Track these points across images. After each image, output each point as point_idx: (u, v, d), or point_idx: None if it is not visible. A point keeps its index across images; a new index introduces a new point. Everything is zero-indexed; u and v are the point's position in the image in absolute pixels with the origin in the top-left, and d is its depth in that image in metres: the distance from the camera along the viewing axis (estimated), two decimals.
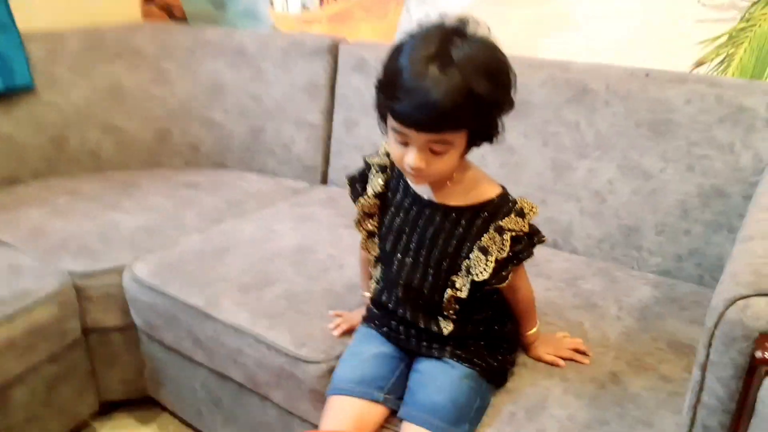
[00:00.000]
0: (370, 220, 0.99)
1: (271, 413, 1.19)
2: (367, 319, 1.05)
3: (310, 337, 1.09)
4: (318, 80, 1.73)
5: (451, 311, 0.94)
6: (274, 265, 1.28)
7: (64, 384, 1.32)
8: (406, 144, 0.82)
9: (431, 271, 0.92)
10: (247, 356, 1.14)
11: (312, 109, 1.75)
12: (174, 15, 2.10)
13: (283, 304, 1.16)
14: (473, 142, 0.84)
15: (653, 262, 1.32)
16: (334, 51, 1.71)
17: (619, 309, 1.16)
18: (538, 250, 1.37)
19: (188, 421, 1.44)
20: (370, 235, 1.01)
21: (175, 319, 1.24)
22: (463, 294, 0.90)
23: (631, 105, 1.30)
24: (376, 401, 0.94)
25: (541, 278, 1.26)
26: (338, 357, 1.04)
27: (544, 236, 0.93)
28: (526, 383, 0.98)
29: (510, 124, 1.44)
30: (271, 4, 1.93)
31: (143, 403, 1.51)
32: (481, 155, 1.48)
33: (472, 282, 0.90)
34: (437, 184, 0.90)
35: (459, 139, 0.81)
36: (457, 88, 0.75)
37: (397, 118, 0.79)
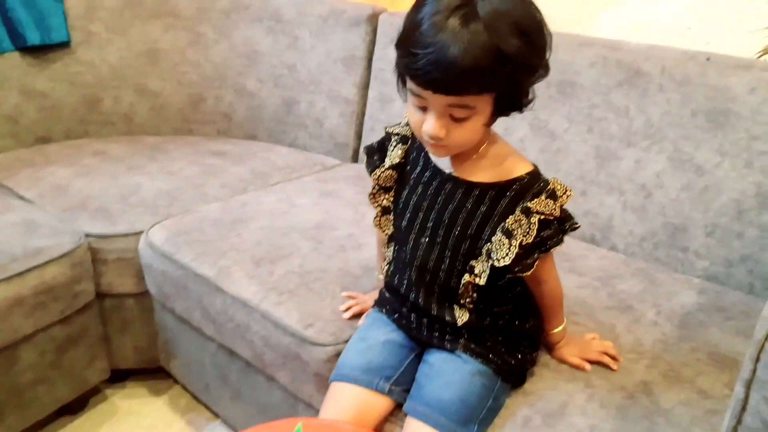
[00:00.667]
0: (386, 195, 0.91)
1: (276, 394, 1.14)
2: (379, 304, 0.98)
3: (318, 317, 1.03)
4: (355, 52, 1.66)
5: (467, 299, 0.86)
6: (290, 239, 1.22)
7: (75, 348, 1.30)
8: (424, 109, 0.74)
9: (448, 253, 0.84)
10: (254, 333, 1.09)
11: (347, 82, 1.68)
12: None
13: (294, 281, 1.10)
14: (500, 109, 0.75)
15: (700, 265, 1.21)
16: (373, 21, 1.64)
17: (658, 314, 1.06)
18: (573, 244, 1.29)
19: (197, 395, 1.40)
20: (385, 211, 0.92)
21: (186, 288, 1.20)
22: (482, 281, 0.82)
23: (688, 91, 1.19)
24: (381, 392, 0.87)
25: (574, 274, 1.17)
26: (347, 341, 0.98)
27: (577, 223, 0.84)
28: (547, 386, 0.89)
29: (552, 106, 1.36)
30: None
31: (156, 373, 1.48)
32: (519, 139, 1.39)
33: (492, 268, 0.81)
34: (460, 158, 0.82)
35: (483, 104, 0.72)
36: (479, 45, 0.66)
37: (413, 77, 0.71)
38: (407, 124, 0.89)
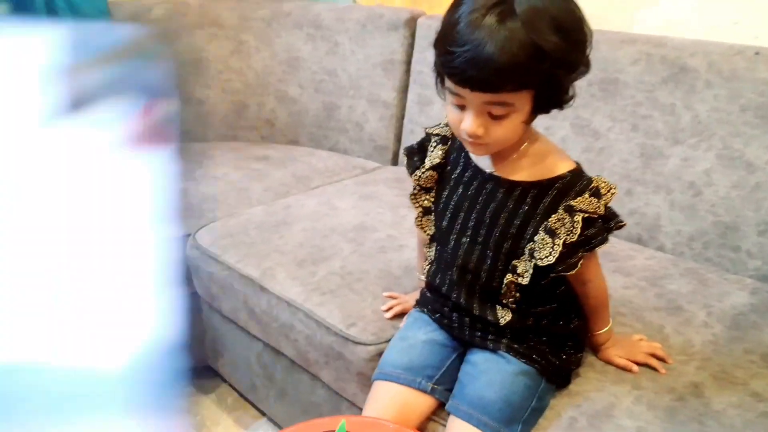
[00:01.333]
0: (427, 195, 0.91)
1: (320, 393, 1.16)
2: (420, 303, 0.98)
3: (361, 317, 1.04)
4: (394, 56, 1.67)
5: (510, 299, 0.85)
6: (331, 241, 1.24)
7: None
8: (463, 108, 0.74)
9: (490, 253, 0.84)
10: (299, 332, 1.10)
11: (386, 86, 1.69)
12: None
13: (336, 281, 1.11)
14: (539, 106, 0.74)
15: (752, 265, 1.17)
16: (411, 25, 1.65)
17: (708, 314, 1.03)
18: (618, 245, 1.26)
19: (243, 393, 1.43)
20: (426, 211, 0.93)
21: (232, 289, 1.23)
22: (525, 280, 0.81)
23: (736, 87, 1.15)
24: (423, 391, 0.88)
25: (620, 275, 1.15)
26: (389, 341, 0.98)
27: (622, 221, 0.82)
28: (592, 387, 0.88)
29: (595, 105, 1.34)
30: None
31: (204, 371, 1.52)
32: (561, 139, 1.37)
33: (536, 267, 0.80)
34: (501, 156, 0.81)
35: (521, 101, 0.72)
36: (516, 41, 0.66)
37: (450, 75, 0.71)
38: (447, 125, 0.89)
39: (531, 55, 0.66)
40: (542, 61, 0.67)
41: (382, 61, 1.69)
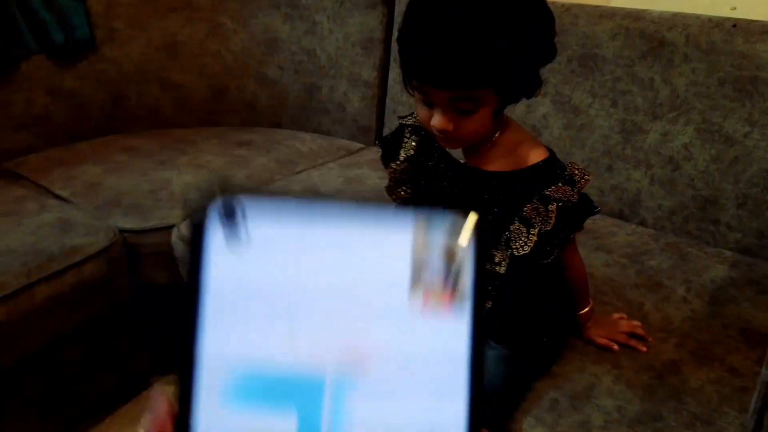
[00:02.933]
0: (403, 187, 0.91)
1: None
2: None
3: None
4: (373, 34, 1.65)
5: (489, 288, 0.87)
6: None
7: (117, 339, 1.35)
8: (431, 104, 0.74)
9: None
10: None
11: (366, 65, 1.68)
12: None
13: None
14: (507, 98, 0.75)
15: (732, 238, 1.19)
16: (389, 2, 1.62)
17: (688, 290, 1.05)
18: (600, 221, 1.28)
19: None
20: (404, 202, 0.93)
21: None
22: (502, 269, 0.82)
23: (714, 60, 1.15)
24: None
25: (601, 252, 1.16)
26: None
27: (597, 207, 0.83)
28: (574, 368, 0.90)
29: (575, 81, 1.34)
30: None
31: None
32: (543, 115, 1.37)
33: (512, 257, 0.81)
34: (474, 147, 0.82)
35: (489, 95, 0.72)
36: (477, 38, 0.65)
37: (414, 74, 0.71)
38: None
39: (493, 50, 0.66)
40: (504, 56, 0.67)
41: (360, 40, 1.67)
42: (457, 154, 0.84)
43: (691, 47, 1.18)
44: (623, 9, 1.29)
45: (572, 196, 0.78)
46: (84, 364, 1.30)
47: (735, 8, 1.15)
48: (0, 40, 1.60)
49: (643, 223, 1.28)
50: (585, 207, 0.81)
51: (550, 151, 0.82)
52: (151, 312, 1.42)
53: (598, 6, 1.31)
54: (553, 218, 0.78)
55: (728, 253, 1.17)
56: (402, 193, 0.91)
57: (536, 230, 0.78)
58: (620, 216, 1.31)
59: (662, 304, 1.02)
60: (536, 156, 0.80)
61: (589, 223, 0.83)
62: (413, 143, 0.88)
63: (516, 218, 0.79)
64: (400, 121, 0.91)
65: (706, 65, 1.16)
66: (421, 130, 0.88)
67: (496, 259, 0.82)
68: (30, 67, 1.67)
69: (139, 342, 1.41)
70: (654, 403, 0.83)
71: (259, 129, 1.85)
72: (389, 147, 0.91)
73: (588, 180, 0.80)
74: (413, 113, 0.91)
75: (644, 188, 1.27)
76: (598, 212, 0.83)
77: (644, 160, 1.26)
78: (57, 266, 1.20)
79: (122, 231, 1.33)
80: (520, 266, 0.83)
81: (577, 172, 0.79)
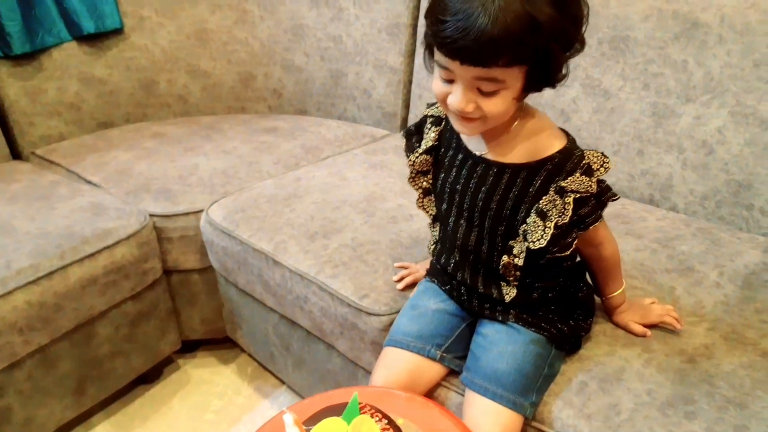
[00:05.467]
0: (425, 178, 0.90)
1: (336, 362, 1.18)
2: (430, 273, 0.99)
3: (373, 288, 1.05)
4: (399, 19, 1.64)
5: (511, 278, 0.85)
6: (342, 213, 1.25)
7: (146, 322, 1.38)
8: (451, 82, 0.72)
9: (487, 234, 0.83)
10: (313, 304, 1.12)
11: (392, 50, 1.67)
12: None
13: (348, 254, 1.13)
14: (531, 84, 0.71)
15: (765, 223, 1.16)
16: None
17: (720, 275, 1.03)
18: (630, 206, 1.26)
19: (262, 363, 1.47)
20: (426, 192, 0.92)
21: (246, 263, 1.25)
22: (520, 261, 0.81)
23: (750, 41, 1.13)
24: (433, 359, 0.90)
25: (631, 237, 1.15)
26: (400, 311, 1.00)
27: (615, 195, 0.80)
28: (603, 351, 0.89)
29: (606, 64, 1.32)
30: None
31: (223, 343, 1.56)
32: (572, 99, 1.35)
33: (529, 250, 0.80)
34: (491, 137, 0.80)
35: (512, 78, 0.69)
36: (511, 12, 0.63)
37: (440, 46, 0.68)
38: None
39: (525, 28, 0.64)
40: (537, 35, 0.65)
41: (387, 26, 1.67)
42: (473, 145, 0.83)
43: (725, 28, 1.15)
44: None
45: (590, 186, 0.76)
46: (114, 344, 1.32)
47: None
48: (33, 28, 1.63)
49: (674, 209, 1.26)
50: (603, 195, 0.79)
51: (570, 139, 0.79)
52: (180, 295, 1.44)
53: None
54: (570, 211, 0.76)
55: (762, 239, 1.14)
56: (424, 183, 0.91)
57: (552, 223, 0.76)
58: (651, 201, 1.29)
59: (694, 289, 1.00)
60: (554, 145, 0.77)
61: (617, 208, 0.82)
62: (433, 134, 0.87)
63: (533, 211, 0.78)
64: (424, 111, 0.90)
65: (741, 47, 1.14)
66: (440, 120, 0.88)
67: (515, 251, 0.82)
68: (61, 54, 1.70)
69: (167, 325, 1.44)
70: (685, 387, 0.82)
71: (285, 116, 1.86)
72: (412, 138, 0.91)
73: (607, 168, 0.77)
74: (436, 104, 0.89)
75: (676, 173, 1.25)
76: (616, 199, 0.81)
77: (676, 144, 1.24)
78: (90, 249, 1.22)
79: (152, 215, 1.35)
80: (542, 258, 0.81)
81: (595, 159, 0.77)
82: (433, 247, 0.97)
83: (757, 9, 1.12)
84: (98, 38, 1.75)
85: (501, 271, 0.85)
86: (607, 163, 0.77)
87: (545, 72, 0.70)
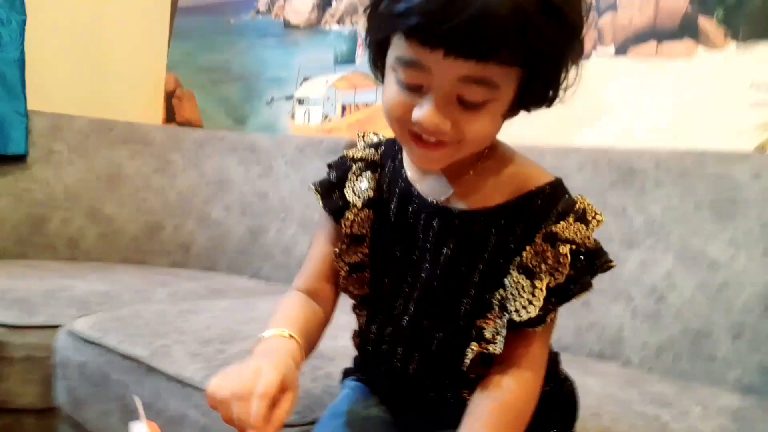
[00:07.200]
0: (359, 247, 0.66)
1: None
2: (354, 370, 0.75)
3: None
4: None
5: (474, 375, 0.61)
6: (250, 326, 1.01)
7: None
8: (418, 89, 0.53)
9: (448, 316, 0.62)
10: (193, 423, 0.82)
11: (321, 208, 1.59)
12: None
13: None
14: (525, 96, 0.55)
15: (732, 375, 1.03)
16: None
17: (705, 408, 0.86)
18: (578, 360, 1.10)
19: None
20: (355, 268, 0.67)
21: (107, 381, 0.94)
22: (498, 348, 0.58)
23: (688, 184, 1.13)
24: None
25: (590, 376, 0.97)
26: (316, 421, 0.73)
27: (611, 260, 0.60)
28: None
29: None
30: (292, 117, 1.89)
31: None
32: None
33: (511, 324, 0.57)
34: (452, 175, 0.61)
35: (507, 84, 0.52)
36: None
37: (410, 31, 0.50)
38: (371, 145, 0.68)
39: (541, 7, 0.48)
40: (550, 20, 0.49)
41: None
42: (428, 188, 0.62)
43: (662, 172, 1.16)
44: (589, 146, 1.30)
45: (587, 238, 0.58)
46: None
47: (677, 137, 1.18)
48: None
49: (628, 363, 1.11)
50: (598, 257, 0.59)
51: (555, 176, 0.62)
52: None
53: (562, 145, 1.32)
54: (567, 266, 0.56)
55: (731, 396, 0.99)
56: (357, 255, 0.66)
57: (544, 283, 0.56)
58: (600, 356, 1.14)
59: (683, 417, 0.81)
60: (537, 178, 0.60)
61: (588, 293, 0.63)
62: (369, 182, 0.65)
63: (513, 267, 0.58)
64: (346, 152, 0.69)
65: (680, 189, 1.14)
66: (376, 166, 0.66)
67: (487, 334, 0.59)
68: None
69: None
70: None
71: (186, 271, 1.64)
72: (332, 193, 0.68)
73: (600, 221, 0.60)
74: (361, 146, 0.69)
75: (626, 324, 1.13)
76: (613, 267, 0.61)
77: (624, 293, 1.14)
78: None
79: None
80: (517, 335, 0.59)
81: (588, 208, 0.60)
82: (357, 339, 0.74)
83: (690, 155, 1.15)
84: None
85: (465, 366, 0.60)
86: (599, 215, 0.60)
87: (545, 79, 0.55)
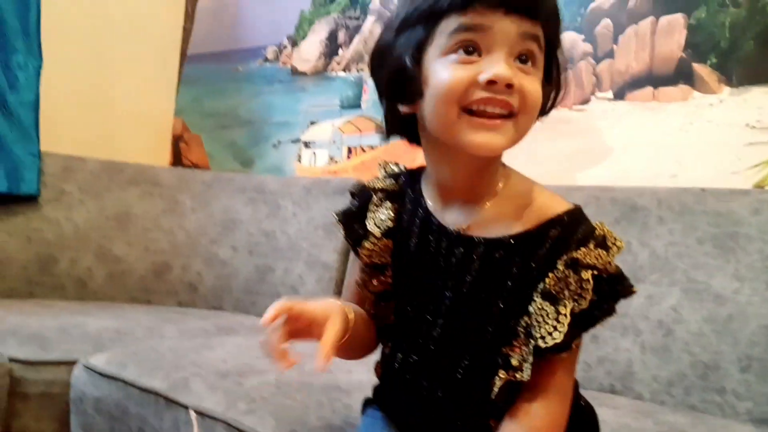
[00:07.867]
0: (380, 276, 0.68)
1: None
2: (376, 399, 0.76)
3: (302, 424, 0.79)
4: None
5: (502, 403, 0.61)
6: (266, 362, 1.01)
7: None
8: (474, 53, 0.57)
9: (473, 346, 0.63)
10: None
11: (327, 247, 1.61)
12: None
13: (269, 390, 0.88)
14: (545, 78, 0.61)
15: (743, 407, 1.04)
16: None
17: None
18: (587, 396, 1.11)
19: None
20: (381, 297, 0.69)
21: (125, 415, 0.95)
22: (525, 375, 0.59)
23: (689, 220, 1.16)
24: None
25: (606, 408, 0.98)
26: None
27: (633, 285, 0.61)
28: None
29: None
30: (299, 159, 1.93)
31: None
32: None
33: (536, 350, 0.58)
34: (470, 206, 0.63)
35: (541, 54, 0.59)
36: None
37: None
38: (392, 175, 0.70)
39: None
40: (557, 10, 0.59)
41: (324, 224, 1.64)
42: (449, 219, 0.65)
43: (664, 209, 1.19)
44: (592, 185, 1.34)
45: (608, 264, 0.59)
46: None
47: (676, 175, 1.23)
48: None
49: (639, 398, 1.12)
50: (620, 282, 0.61)
51: (575, 204, 0.65)
52: None
53: (564, 185, 1.36)
54: (590, 291, 0.57)
55: (744, 429, 1.00)
56: (377, 284, 0.69)
57: (568, 309, 0.57)
58: (612, 391, 1.15)
59: None
60: (556, 206, 0.62)
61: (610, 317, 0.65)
62: (389, 212, 0.67)
63: (537, 294, 0.59)
64: (366, 184, 0.70)
65: (682, 225, 1.17)
66: (396, 196, 0.68)
67: (514, 362, 0.60)
68: None
69: None
70: None
71: (193, 310, 1.65)
72: (355, 222, 0.69)
73: (620, 247, 0.61)
74: (380, 177, 0.70)
75: (635, 358, 1.14)
76: (635, 292, 0.62)
77: (632, 327, 1.16)
78: None
79: (12, 360, 1.05)
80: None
81: (608, 234, 0.61)
82: (380, 369, 0.74)
83: (690, 193, 1.19)
84: (7, 201, 1.60)
85: (493, 396, 0.61)
86: (619, 242, 0.61)
87: (555, 61, 0.62)
